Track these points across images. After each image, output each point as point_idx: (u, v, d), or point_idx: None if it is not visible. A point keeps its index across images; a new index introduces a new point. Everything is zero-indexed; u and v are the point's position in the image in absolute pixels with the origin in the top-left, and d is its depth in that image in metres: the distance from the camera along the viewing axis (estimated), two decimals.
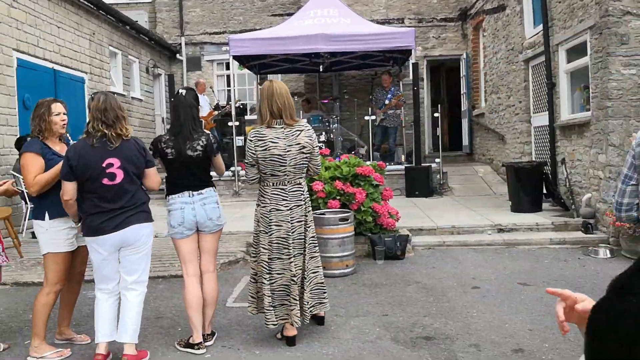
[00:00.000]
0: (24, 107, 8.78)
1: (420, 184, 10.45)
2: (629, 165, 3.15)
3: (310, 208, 4.28)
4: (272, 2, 15.78)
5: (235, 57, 11.37)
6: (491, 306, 4.87)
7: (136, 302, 3.84)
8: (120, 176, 3.70)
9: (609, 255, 6.55)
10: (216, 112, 12.42)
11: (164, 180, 4.21)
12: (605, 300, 0.90)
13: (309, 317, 4.18)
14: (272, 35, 10.94)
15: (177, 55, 16.11)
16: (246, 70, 13.72)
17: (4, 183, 4.24)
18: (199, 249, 4.21)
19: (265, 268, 4.08)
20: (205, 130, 4.42)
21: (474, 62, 14.04)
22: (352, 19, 11.40)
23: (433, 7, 14.67)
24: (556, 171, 8.85)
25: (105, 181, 3.68)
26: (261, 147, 4.02)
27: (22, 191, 4.07)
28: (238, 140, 11.18)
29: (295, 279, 4.07)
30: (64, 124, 4.07)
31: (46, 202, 3.92)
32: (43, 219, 3.91)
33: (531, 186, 8.45)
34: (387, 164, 9.17)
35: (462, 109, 14.90)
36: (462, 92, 14.88)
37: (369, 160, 9.88)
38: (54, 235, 3.91)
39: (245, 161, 4.17)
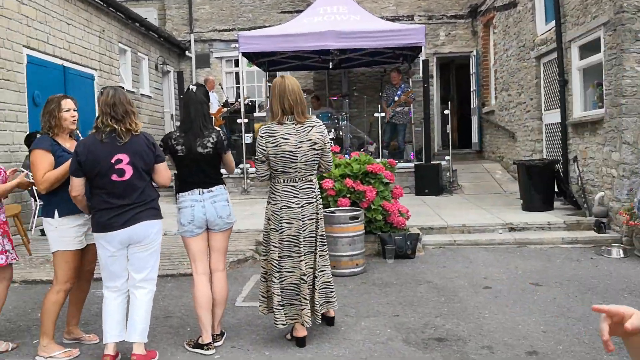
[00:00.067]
0: (33, 104, 8.78)
1: (430, 181, 10.38)
2: None
3: (321, 206, 4.22)
4: (282, 0, 15.74)
5: (244, 54, 11.34)
6: (503, 307, 4.80)
7: (145, 301, 3.80)
8: (129, 172, 3.66)
9: (622, 255, 6.46)
10: (225, 109, 12.39)
11: (174, 177, 4.16)
12: None
13: (320, 317, 4.13)
14: (282, 32, 10.89)
15: (186, 53, 16.08)
16: (255, 68, 13.67)
17: (13, 171, 4.25)
18: (208, 247, 4.17)
19: (275, 266, 4.04)
20: (215, 127, 4.37)
21: (484, 59, 13.94)
22: (361, 16, 11.33)
23: (443, 4, 14.57)
24: (568, 169, 8.75)
25: (114, 177, 3.64)
26: (272, 143, 3.97)
27: (33, 185, 4.05)
28: (247, 138, 11.14)
29: (305, 277, 4.02)
30: (74, 120, 4.04)
31: (56, 199, 3.89)
32: (52, 217, 3.88)
33: (543, 184, 8.36)
34: (397, 161, 9.10)
35: (472, 107, 14.80)
36: (471, 90, 14.78)
37: (378, 157, 9.82)
38: (64, 233, 3.88)
39: (256, 158, 4.11)
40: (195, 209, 3.99)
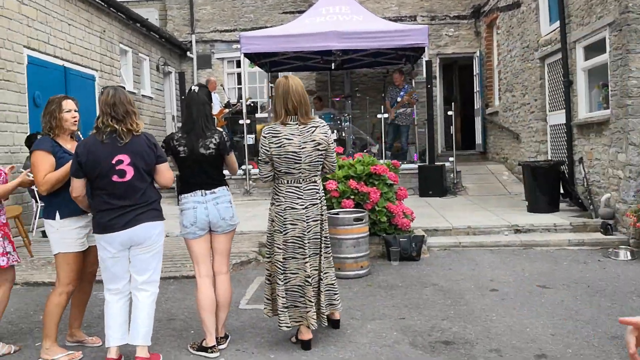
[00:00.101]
0: (34, 105, 8.74)
1: (434, 183, 10.32)
2: None
3: (326, 207, 4.17)
4: (284, 0, 15.68)
5: (246, 55, 11.30)
6: (511, 309, 4.74)
7: (147, 303, 3.74)
8: (130, 173, 3.61)
9: (629, 257, 6.39)
10: (227, 110, 12.35)
11: (176, 178, 4.11)
12: None
13: (326, 320, 4.07)
14: (284, 33, 10.84)
15: (188, 53, 16.05)
16: (257, 68, 13.62)
17: (11, 168, 4.22)
18: (211, 249, 4.11)
19: (280, 268, 3.98)
20: (218, 128, 4.32)
21: (488, 60, 13.88)
22: (364, 16, 11.28)
23: (446, 5, 14.51)
24: (573, 170, 8.69)
25: (115, 178, 3.58)
26: (275, 144, 3.91)
27: (34, 184, 4.02)
28: (249, 139, 11.09)
29: (310, 279, 3.96)
30: (75, 121, 3.99)
31: (57, 201, 3.84)
32: (54, 218, 3.83)
33: (548, 186, 8.30)
34: (400, 162, 9.04)
35: (475, 107, 14.74)
36: (475, 91, 14.72)
37: (381, 158, 9.76)
38: (65, 235, 3.83)
39: (259, 158, 4.06)
40: (198, 211, 3.93)
